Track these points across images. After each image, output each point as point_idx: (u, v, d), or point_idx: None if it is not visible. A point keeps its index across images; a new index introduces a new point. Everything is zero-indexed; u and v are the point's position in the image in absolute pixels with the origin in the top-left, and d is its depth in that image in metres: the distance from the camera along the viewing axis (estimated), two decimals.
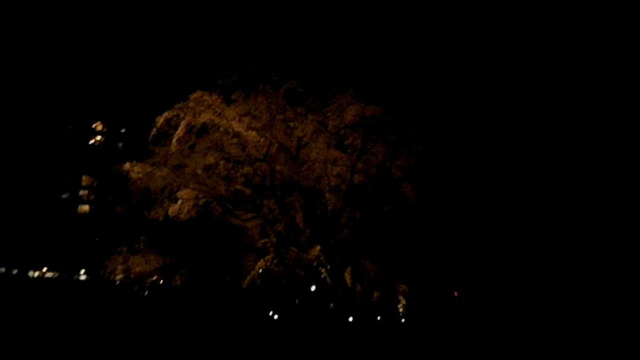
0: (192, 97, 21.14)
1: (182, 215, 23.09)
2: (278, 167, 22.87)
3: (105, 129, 76.08)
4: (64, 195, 70.62)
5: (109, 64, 70.71)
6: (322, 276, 20.79)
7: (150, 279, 27.92)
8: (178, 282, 27.96)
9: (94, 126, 75.83)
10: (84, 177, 73.70)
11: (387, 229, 25.95)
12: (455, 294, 38.80)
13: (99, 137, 75.80)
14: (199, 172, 23.66)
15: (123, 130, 75.72)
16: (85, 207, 70.70)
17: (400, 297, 27.36)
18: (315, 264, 20.47)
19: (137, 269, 26.96)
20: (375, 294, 26.79)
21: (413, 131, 24.59)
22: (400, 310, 27.69)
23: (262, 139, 22.35)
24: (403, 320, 30.80)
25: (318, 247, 20.60)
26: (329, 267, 20.62)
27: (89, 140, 75.21)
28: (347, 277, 21.44)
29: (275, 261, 21.98)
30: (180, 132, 20.67)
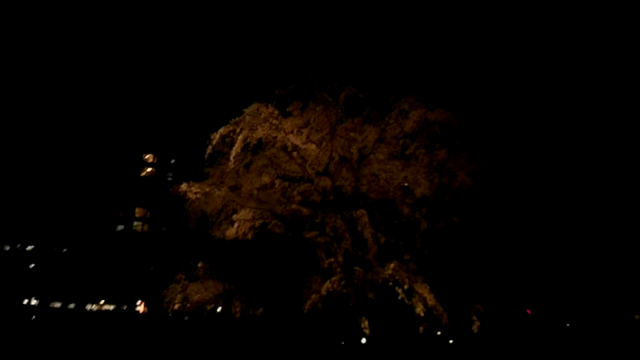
0: (247, 110, 20.12)
1: (240, 238, 21.95)
2: (340, 181, 21.45)
3: (156, 160, 77.12)
4: (119, 227, 71.45)
5: (163, 88, 71.30)
6: (400, 297, 18.92)
7: (209, 307, 26.83)
8: (238, 309, 26.73)
9: (145, 158, 77.01)
10: (137, 209, 74.58)
11: (458, 243, 24.00)
12: (528, 311, 36.22)
13: (149, 169, 76.88)
14: (255, 192, 22.60)
15: (173, 161, 76.49)
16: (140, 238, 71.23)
17: (475, 318, 25.32)
18: (391, 283, 18.70)
19: (196, 297, 25.92)
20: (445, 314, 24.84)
21: (481, 136, 22.79)
22: (475, 331, 25.61)
23: (322, 152, 21.05)
24: (477, 342, 28.59)
25: (392, 265, 18.84)
26: (406, 286, 18.77)
27: (140, 172, 76.29)
28: (426, 296, 19.45)
29: (342, 282, 20.32)
30: (237, 148, 19.62)
